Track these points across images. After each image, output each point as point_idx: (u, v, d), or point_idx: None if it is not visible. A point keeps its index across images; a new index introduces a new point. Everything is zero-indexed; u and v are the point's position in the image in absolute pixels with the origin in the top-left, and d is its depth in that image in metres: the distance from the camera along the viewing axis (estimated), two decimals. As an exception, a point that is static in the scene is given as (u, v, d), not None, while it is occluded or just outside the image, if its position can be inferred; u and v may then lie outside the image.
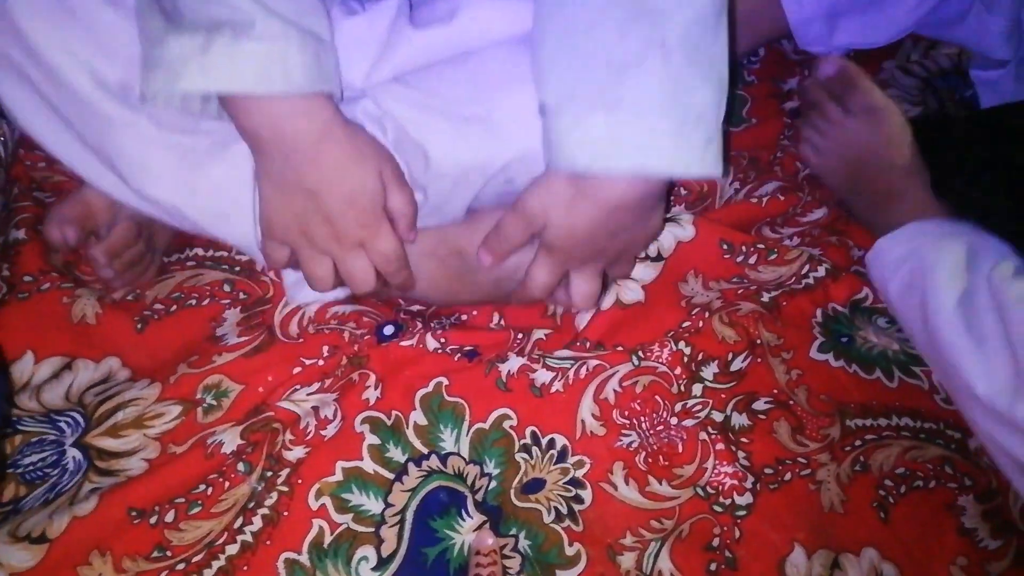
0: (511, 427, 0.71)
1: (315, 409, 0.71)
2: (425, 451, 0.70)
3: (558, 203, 0.62)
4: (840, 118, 0.84)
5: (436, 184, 0.68)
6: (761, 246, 0.79)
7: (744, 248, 0.79)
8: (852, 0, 0.88)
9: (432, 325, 0.77)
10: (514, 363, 0.73)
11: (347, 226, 0.62)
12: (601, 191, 0.60)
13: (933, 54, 0.98)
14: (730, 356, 0.75)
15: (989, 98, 0.93)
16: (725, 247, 0.79)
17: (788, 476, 0.70)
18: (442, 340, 0.75)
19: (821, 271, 0.81)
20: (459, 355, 0.74)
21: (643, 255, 0.77)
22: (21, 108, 0.65)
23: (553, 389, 0.73)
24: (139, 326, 0.78)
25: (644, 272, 0.78)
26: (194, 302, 0.80)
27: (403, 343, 0.75)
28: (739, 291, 0.79)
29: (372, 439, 0.70)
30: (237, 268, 0.82)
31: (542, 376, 0.73)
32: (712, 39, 0.58)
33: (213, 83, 0.55)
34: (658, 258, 0.78)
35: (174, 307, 0.80)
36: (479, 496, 0.68)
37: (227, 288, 0.81)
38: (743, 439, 0.71)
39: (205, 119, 0.65)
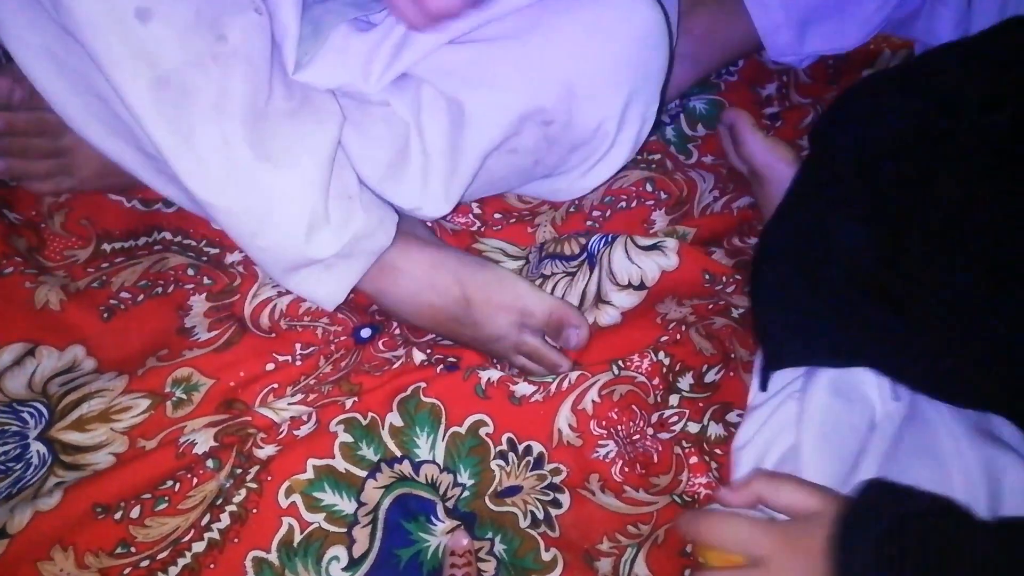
0: (487, 434, 0.71)
1: (292, 419, 0.70)
2: (399, 454, 0.69)
3: None
4: (740, 168, 0.86)
5: (474, 141, 0.70)
6: (739, 277, 0.80)
7: (724, 278, 0.79)
8: (818, 6, 0.89)
9: (419, 339, 0.77)
10: (494, 373, 0.73)
11: None
12: None
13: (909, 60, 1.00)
14: (705, 368, 0.76)
15: None
16: (707, 277, 0.79)
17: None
18: (427, 351, 0.75)
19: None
20: (441, 366, 0.74)
21: (626, 283, 0.77)
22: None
23: (532, 400, 0.73)
24: (105, 315, 0.76)
25: (626, 300, 0.77)
26: (160, 290, 0.78)
27: (386, 353, 0.74)
28: (709, 306, 0.79)
29: (345, 437, 0.69)
30: (204, 258, 0.81)
31: (523, 388, 0.73)
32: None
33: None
34: (641, 287, 0.77)
35: (141, 296, 0.78)
36: (450, 504, 0.68)
37: (191, 272, 0.79)
38: (716, 450, 0.72)
39: None
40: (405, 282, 0.73)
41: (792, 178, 0.76)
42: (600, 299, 0.77)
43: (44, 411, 0.69)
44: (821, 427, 0.62)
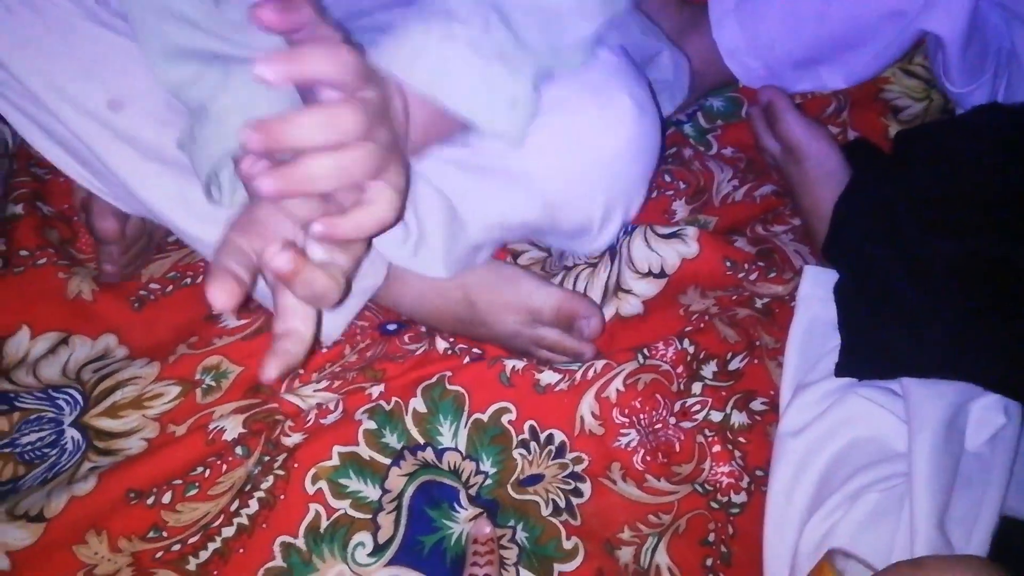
0: (510, 422, 0.71)
1: (319, 405, 0.71)
2: (421, 441, 0.70)
3: None
4: (773, 149, 0.84)
5: (464, 233, 0.69)
6: (761, 264, 0.80)
7: (746, 265, 0.79)
8: (798, 60, 0.87)
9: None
10: (519, 363, 0.74)
11: None
12: None
13: (929, 59, 0.99)
14: (729, 355, 0.76)
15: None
16: (728, 264, 0.79)
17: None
18: (450, 340, 0.76)
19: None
20: (467, 357, 0.75)
21: (646, 271, 0.77)
22: (17, 123, 0.65)
23: (557, 388, 0.73)
24: (136, 305, 0.77)
25: (647, 288, 0.77)
26: (190, 281, 0.80)
27: (410, 345, 0.75)
28: (733, 298, 0.79)
29: (369, 424, 0.70)
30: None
31: (548, 377, 0.73)
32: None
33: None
34: (661, 275, 0.77)
35: (170, 287, 0.79)
36: (473, 491, 0.69)
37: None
38: (741, 439, 0.72)
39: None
40: (410, 290, 0.73)
41: (861, 168, 0.76)
42: (620, 288, 0.77)
43: (79, 397, 0.71)
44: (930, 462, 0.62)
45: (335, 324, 0.72)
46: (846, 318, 0.71)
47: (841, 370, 0.69)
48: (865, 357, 0.69)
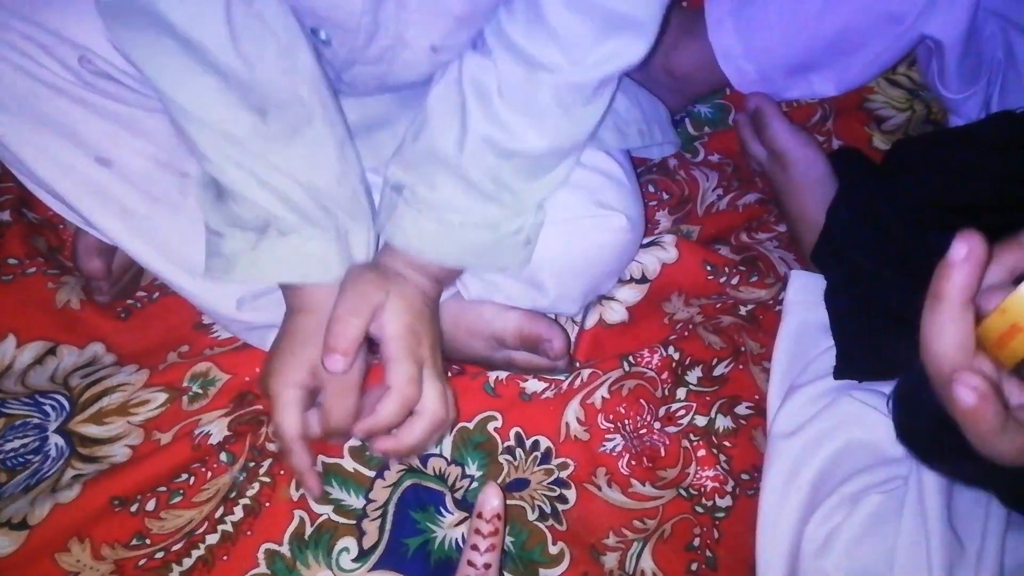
0: (495, 429, 0.72)
1: None
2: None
3: None
4: (759, 155, 0.85)
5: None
6: (743, 268, 0.80)
7: (727, 269, 0.80)
8: (793, 66, 0.88)
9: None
10: (502, 373, 0.74)
11: (264, 377, 0.64)
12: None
13: (918, 66, 1.00)
14: (714, 361, 0.76)
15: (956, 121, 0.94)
16: (709, 268, 0.80)
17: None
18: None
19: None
20: (449, 372, 0.74)
21: (627, 277, 0.78)
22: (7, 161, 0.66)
23: (543, 396, 0.73)
24: (122, 315, 0.78)
25: (629, 294, 0.78)
26: (177, 290, 0.80)
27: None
28: (717, 306, 0.80)
29: (354, 441, 0.69)
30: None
31: (533, 385, 0.73)
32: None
33: (260, 277, 0.63)
34: (643, 280, 0.78)
35: (156, 294, 0.79)
36: (459, 495, 0.69)
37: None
38: (726, 443, 0.72)
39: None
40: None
41: (851, 173, 0.77)
42: (604, 295, 0.78)
43: (66, 403, 0.70)
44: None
45: None
46: (839, 322, 0.71)
47: (840, 373, 0.69)
48: (862, 359, 0.69)
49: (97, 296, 0.77)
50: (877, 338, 0.69)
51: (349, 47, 0.61)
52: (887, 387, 0.68)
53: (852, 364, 0.70)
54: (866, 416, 0.67)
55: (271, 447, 0.69)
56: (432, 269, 0.65)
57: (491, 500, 0.63)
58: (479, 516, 0.63)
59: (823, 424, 0.68)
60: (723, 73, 0.88)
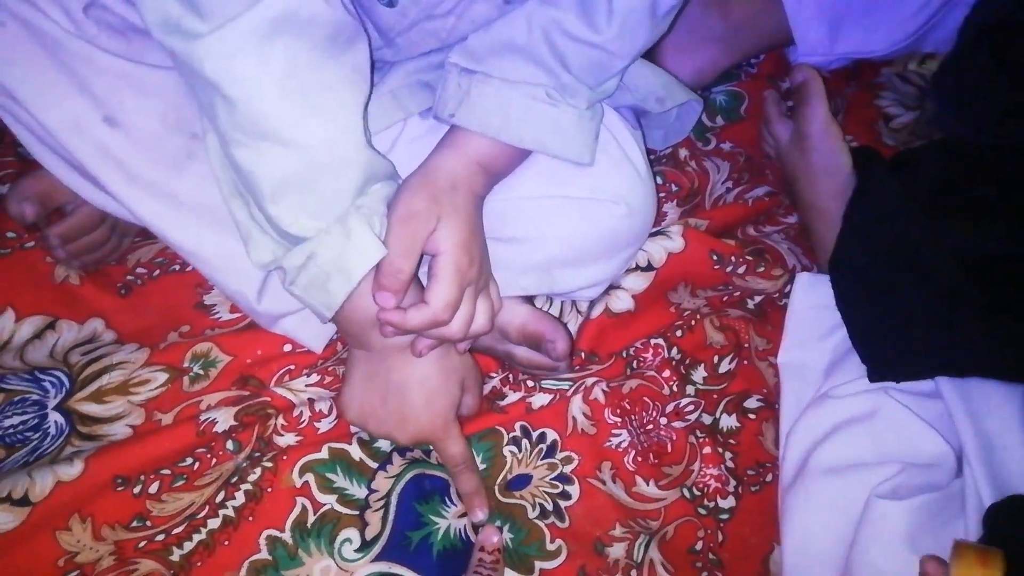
0: (501, 423, 0.71)
1: (311, 401, 0.71)
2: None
3: None
4: (780, 135, 0.84)
5: None
6: (750, 258, 0.80)
7: (733, 259, 0.80)
8: (851, 5, 0.88)
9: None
10: (512, 396, 0.73)
11: (419, 427, 0.65)
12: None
13: (930, 63, 1.00)
14: (716, 359, 0.76)
15: None
16: (715, 258, 0.79)
17: (769, 477, 0.72)
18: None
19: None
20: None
21: (633, 265, 0.77)
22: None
23: (550, 405, 0.73)
24: (122, 291, 0.76)
25: (634, 282, 0.78)
26: (178, 267, 0.79)
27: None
28: (724, 298, 0.80)
29: (363, 433, 0.69)
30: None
31: (540, 399, 0.73)
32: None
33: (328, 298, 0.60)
34: (648, 268, 0.78)
35: (157, 272, 0.78)
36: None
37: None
38: (731, 441, 0.73)
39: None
40: None
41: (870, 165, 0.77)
42: (610, 284, 0.77)
43: (65, 380, 0.70)
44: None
45: (320, 335, 0.73)
46: (859, 325, 0.71)
47: (874, 376, 0.69)
48: (891, 360, 0.69)
49: (56, 252, 0.74)
50: (902, 342, 0.69)
51: (424, 4, 0.60)
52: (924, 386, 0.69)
53: (885, 364, 0.69)
54: (903, 417, 0.67)
55: (279, 441, 0.68)
56: (496, 161, 0.64)
57: (491, 537, 0.66)
58: (481, 549, 0.65)
59: (857, 427, 0.68)
60: (777, 29, 0.88)
